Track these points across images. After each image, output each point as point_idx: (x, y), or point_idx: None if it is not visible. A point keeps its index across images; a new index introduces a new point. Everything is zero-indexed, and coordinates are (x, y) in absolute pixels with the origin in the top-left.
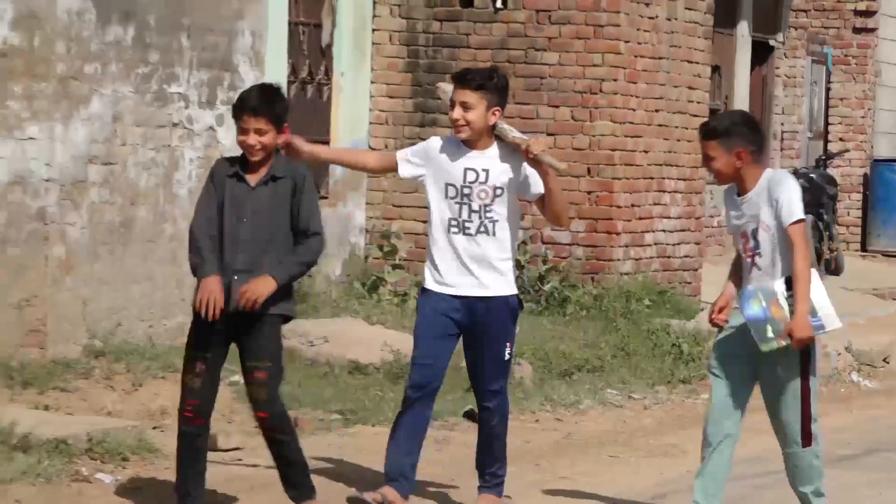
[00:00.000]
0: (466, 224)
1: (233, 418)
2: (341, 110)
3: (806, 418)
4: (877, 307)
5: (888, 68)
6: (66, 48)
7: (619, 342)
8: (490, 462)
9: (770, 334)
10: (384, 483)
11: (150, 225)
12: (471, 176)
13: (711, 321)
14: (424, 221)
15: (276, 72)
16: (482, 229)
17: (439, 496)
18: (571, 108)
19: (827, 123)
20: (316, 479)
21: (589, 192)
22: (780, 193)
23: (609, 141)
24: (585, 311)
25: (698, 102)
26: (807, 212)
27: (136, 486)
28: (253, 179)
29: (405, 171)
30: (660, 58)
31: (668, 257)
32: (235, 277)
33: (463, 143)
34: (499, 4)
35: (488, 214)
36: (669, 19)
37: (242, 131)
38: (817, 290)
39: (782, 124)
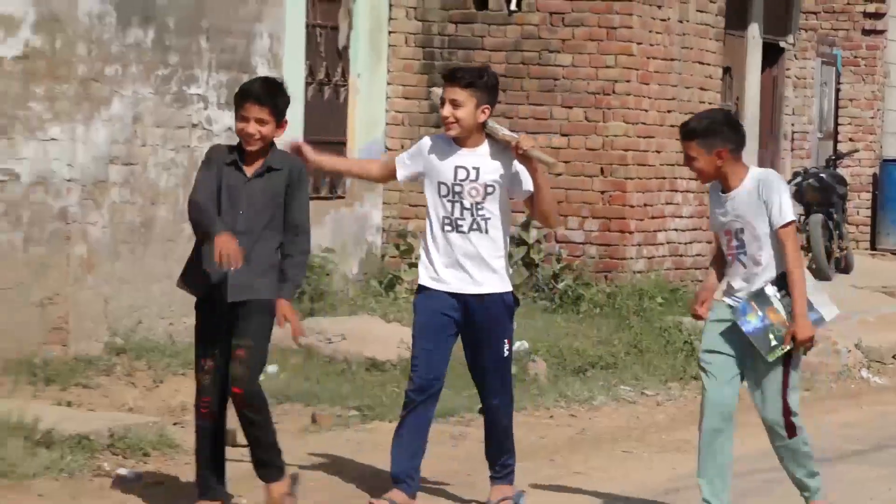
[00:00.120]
0: (459, 222)
1: None
2: (358, 111)
3: (786, 412)
4: (886, 305)
5: None
6: (87, 50)
7: (633, 339)
8: (499, 454)
9: (773, 342)
10: (392, 486)
11: (170, 224)
12: (462, 174)
13: (693, 313)
14: None
15: (294, 73)
16: (475, 227)
17: (456, 491)
18: (585, 109)
19: (836, 124)
20: (334, 475)
21: (602, 192)
22: (770, 196)
23: (622, 141)
24: (599, 308)
25: (710, 103)
26: (817, 211)
27: (158, 481)
28: (249, 170)
29: (402, 174)
30: (672, 59)
31: (681, 256)
32: (232, 269)
33: (454, 141)
34: (513, 7)
35: (480, 212)
36: (681, 21)
37: (243, 119)
38: (809, 284)
39: (793, 125)
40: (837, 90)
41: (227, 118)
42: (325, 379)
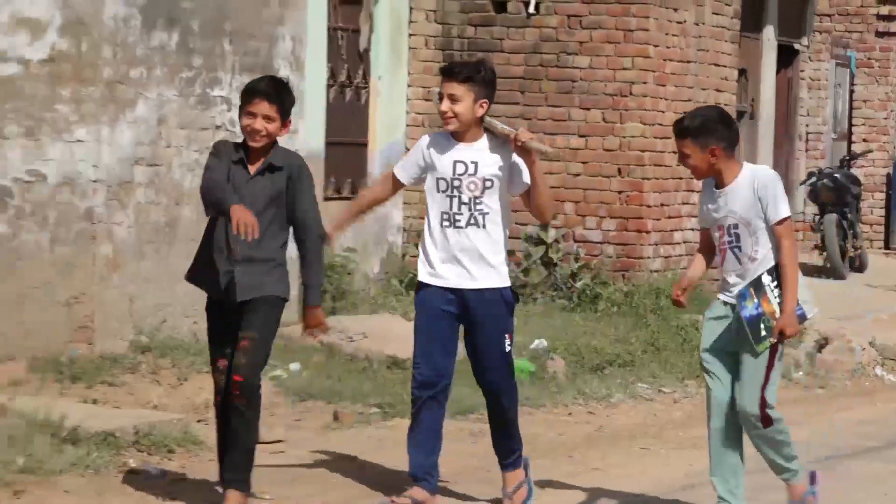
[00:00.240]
0: (457, 217)
1: (274, 411)
2: (379, 113)
3: (762, 404)
4: None
5: None
6: (112, 53)
7: (650, 337)
8: (507, 444)
9: (763, 332)
10: (411, 484)
11: (194, 224)
12: (460, 168)
13: (673, 298)
14: None
15: (316, 76)
16: (472, 222)
17: (475, 488)
18: (602, 111)
19: (850, 125)
20: (355, 472)
21: (619, 192)
22: (766, 192)
23: (639, 142)
24: (616, 307)
25: (726, 105)
26: (831, 211)
27: (182, 477)
28: (252, 168)
29: (404, 176)
30: (688, 61)
31: None
32: (238, 268)
33: (452, 136)
34: (531, 10)
35: (478, 207)
36: (697, 24)
37: (250, 115)
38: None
39: (807, 126)
40: (851, 91)
41: None
42: (346, 377)
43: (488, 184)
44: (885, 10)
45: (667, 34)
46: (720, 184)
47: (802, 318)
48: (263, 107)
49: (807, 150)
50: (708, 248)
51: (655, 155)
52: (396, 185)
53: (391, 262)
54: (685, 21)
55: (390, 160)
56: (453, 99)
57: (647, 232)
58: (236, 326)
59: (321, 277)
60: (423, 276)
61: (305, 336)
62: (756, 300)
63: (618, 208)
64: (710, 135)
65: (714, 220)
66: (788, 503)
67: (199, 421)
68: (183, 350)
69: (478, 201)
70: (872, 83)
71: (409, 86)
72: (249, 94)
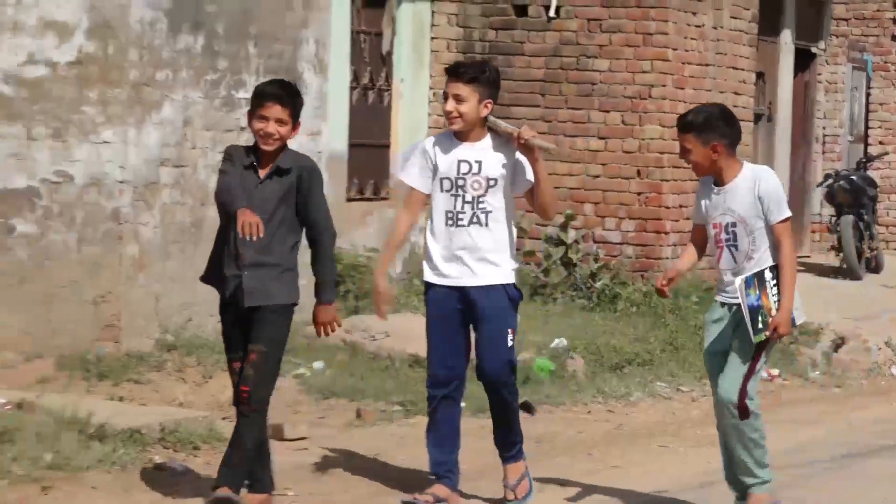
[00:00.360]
0: (460, 215)
1: (298, 409)
2: (401, 116)
3: (741, 395)
4: None
5: None
6: (138, 56)
7: (668, 337)
8: (509, 437)
9: (760, 325)
10: (434, 481)
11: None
12: (464, 167)
13: (658, 289)
14: None
15: (339, 78)
16: (474, 220)
17: (496, 485)
18: (622, 113)
19: (867, 127)
20: (378, 468)
21: (638, 193)
22: (767, 192)
23: (658, 144)
24: (635, 307)
25: (743, 107)
26: (847, 212)
27: (208, 474)
28: (262, 172)
29: (424, 187)
30: (706, 64)
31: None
32: (246, 273)
33: (455, 136)
34: (552, 13)
35: (481, 205)
36: (715, 27)
37: (262, 119)
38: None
39: (824, 128)
40: (867, 94)
41: None
42: (369, 375)
43: (492, 183)
44: None
45: (685, 38)
46: (720, 181)
47: (793, 322)
48: (276, 110)
49: (823, 153)
50: (699, 242)
51: (674, 157)
52: (422, 199)
53: (413, 262)
54: (703, 25)
55: None
56: (458, 99)
57: (666, 233)
58: (248, 328)
59: (334, 275)
60: (429, 275)
61: (319, 333)
62: (757, 292)
63: (637, 209)
64: (713, 131)
65: (710, 217)
66: None
67: (223, 418)
68: (208, 348)
69: (481, 200)
70: (888, 86)
71: (430, 88)
72: (261, 98)
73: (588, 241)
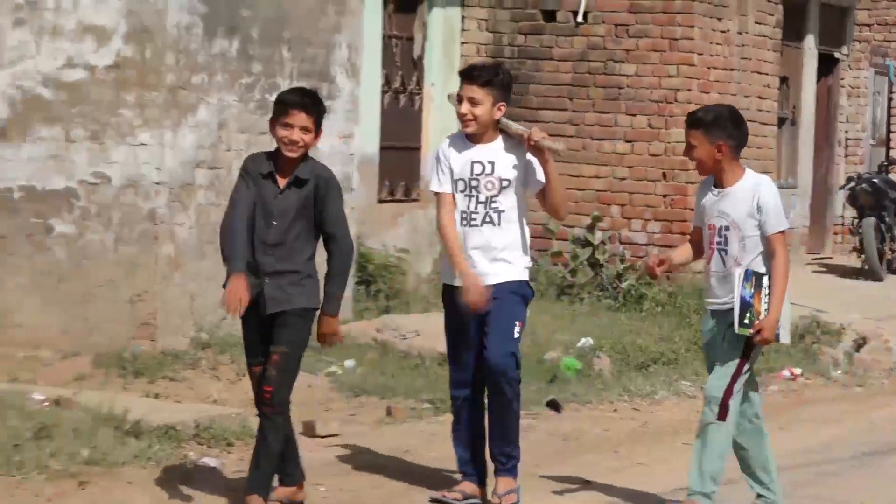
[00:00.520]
0: (473, 215)
1: (330, 406)
2: (432, 119)
3: (727, 393)
4: None
5: None
6: (175, 60)
7: (693, 336)
8: (504, 441)
9: (747, 321)
10: (461, 479)
11: None
12: (477, 168)
13: (647, 266)
14: None
15: (371, 82)
16: (487, 220)
17: (522, 482)
18: (648, 117)
19: (889, 131)
20: (408, 465)
21: (664, 196)
22: (766, 202)
23: (683, 147)
24: (661, 307)
25: (767, 111)
26: (869, 214)
27: (240, 470)
28: (281, 181)
29: (451, 188)
30: (731, 69)
31: None
32: (268, 281)
33: (468, 138)
34: (580, 19)
35: (493, 205)
36: (740, 33)
37: (287, 127)
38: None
39: (846, 132)
40: (890, 99)
41: None
42: (399, 373)
43: (505, 183)
44: None
45: (711, 43)
46: (720, 184)
47: (777, 336)
48: (301, 118)
49: (846, 156)
50: (696, 244)
51: None
52: (453, 200)
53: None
54: (729, 30)
55: None
56: (473, 102)
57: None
58: (269, 334)
59: (343, 289)
60: (446, 277)
61: (321, 343)
62: (752, 290)
63: (662, 211)
64: (721, 130)
65: (707, 218)
66: None
67: (256, 415)
68: (241, 347)
69: (494, 200)
70: None
71: None
72: (286, 105)
73: (614, 242)
